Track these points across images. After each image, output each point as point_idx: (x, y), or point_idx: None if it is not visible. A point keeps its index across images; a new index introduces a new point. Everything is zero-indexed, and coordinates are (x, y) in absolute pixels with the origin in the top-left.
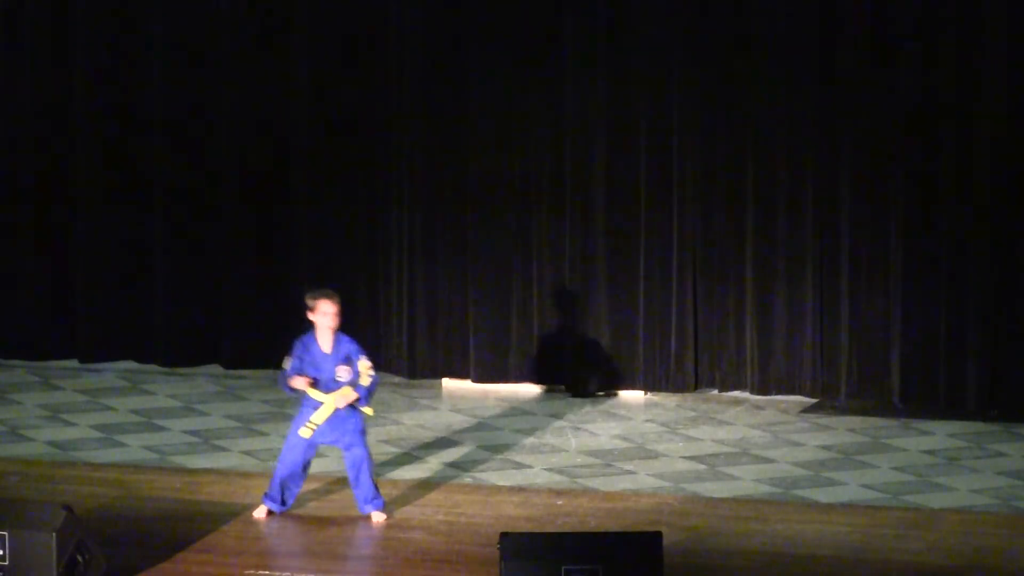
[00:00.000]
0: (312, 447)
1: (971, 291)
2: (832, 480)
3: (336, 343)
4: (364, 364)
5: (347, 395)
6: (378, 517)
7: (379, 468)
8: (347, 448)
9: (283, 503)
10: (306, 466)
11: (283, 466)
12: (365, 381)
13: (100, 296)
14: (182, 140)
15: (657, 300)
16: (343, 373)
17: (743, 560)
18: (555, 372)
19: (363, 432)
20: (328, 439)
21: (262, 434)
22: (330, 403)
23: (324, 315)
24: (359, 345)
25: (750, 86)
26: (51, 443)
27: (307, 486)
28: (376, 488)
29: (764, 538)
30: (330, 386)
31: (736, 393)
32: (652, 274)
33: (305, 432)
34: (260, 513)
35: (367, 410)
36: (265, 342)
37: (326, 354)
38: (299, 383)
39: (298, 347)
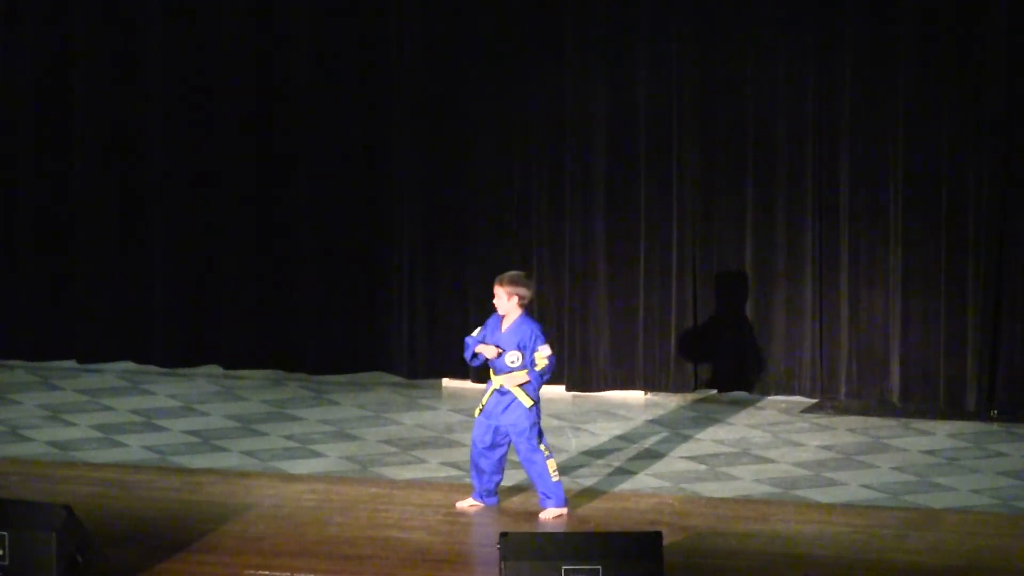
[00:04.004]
0: (492, 431)
1: (971, 291)
2: (832, 480)
3: (514, 328)
4: (540, 352)
5: (511, 378)
6: (545, 515)
7: (379, 468)
8: (514, 439)
9: (486, 497)
10: (495, 450)
11: (472, 450)
12: (538, 366)
13: (99, 296)
14: (182, 140)
15: (657, 300)
16: (513, 359)
17: (743, 560)
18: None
19: (529, 427)
20: (501, 423)
21: (262, 434)
22: (495, 383)
23: (494, 297)
24: (541, 331)
25: (750, 86)
26: (51, 443)
27: (307, 485)
28: (548, 485)
29: (764, 538)
30: (499, 368)
31: (736, 393)
32: (652, 274)
33: (475, 412)
34: (463, 504)
35: (526, 399)
36: (265, 342)
37: (500, 335)
38: (487, 350)
39: (489, 323)
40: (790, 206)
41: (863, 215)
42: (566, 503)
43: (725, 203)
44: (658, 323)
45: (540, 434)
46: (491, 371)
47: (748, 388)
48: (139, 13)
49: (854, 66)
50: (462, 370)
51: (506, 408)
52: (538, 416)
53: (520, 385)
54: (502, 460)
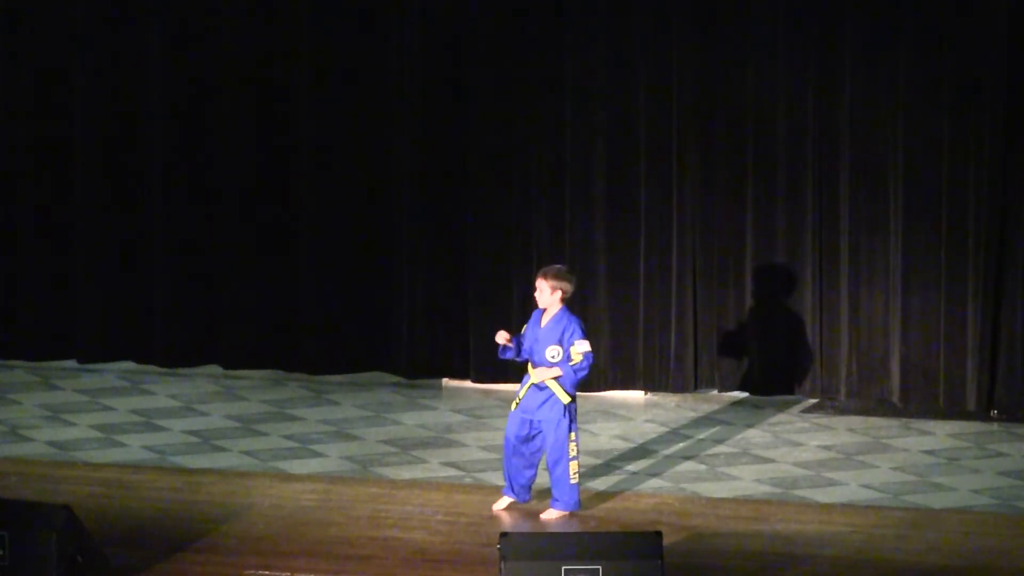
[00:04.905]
0: (527, 425)
1: (971, 291)
2: (832, 480)
3: (554, 322)
4: (576, 347)
5: (544, 372)
6: (546, 515)
7: (379, 468)
8: (546, 432)
9: (519, 492)
10: (527, 445)
11: (505, 445)
12: (573, 361)
13: (99, 296)
14: (182, 139)
15: (657, 300)
16: (553, 353)
17: (743, 560)
18: None
19: (561, 420)
20: (536, 418)
21: (262, 434)
22: (533, 378)
23: (536, 291)
24: (580, 326)
25: (750, 86)
26: (51, 443)
27: (307, 485)
28: (564, 487)
29: (764, 538)
30: (538, 363)
31: (736, 393)
32: (652, 274)
33: (512, 405)
34: (499, 505)
35: (563, 395)
36: (265, 342)
37: (540, 330)
38: (499, 336)
39: (531, 318)
40: (790, 206)
41: (863, 215)
42: (575, 508)
43: (725, 203)
44: (658, 323)
45: (573, 432)
46: (529, 365)
47: (748, 388)
48: (139, 13)
49: (854, 66)
50: (462, 370)
51: (543, 403)
52: (574, 413)
53: (556, 379)
54: (536, 455)
